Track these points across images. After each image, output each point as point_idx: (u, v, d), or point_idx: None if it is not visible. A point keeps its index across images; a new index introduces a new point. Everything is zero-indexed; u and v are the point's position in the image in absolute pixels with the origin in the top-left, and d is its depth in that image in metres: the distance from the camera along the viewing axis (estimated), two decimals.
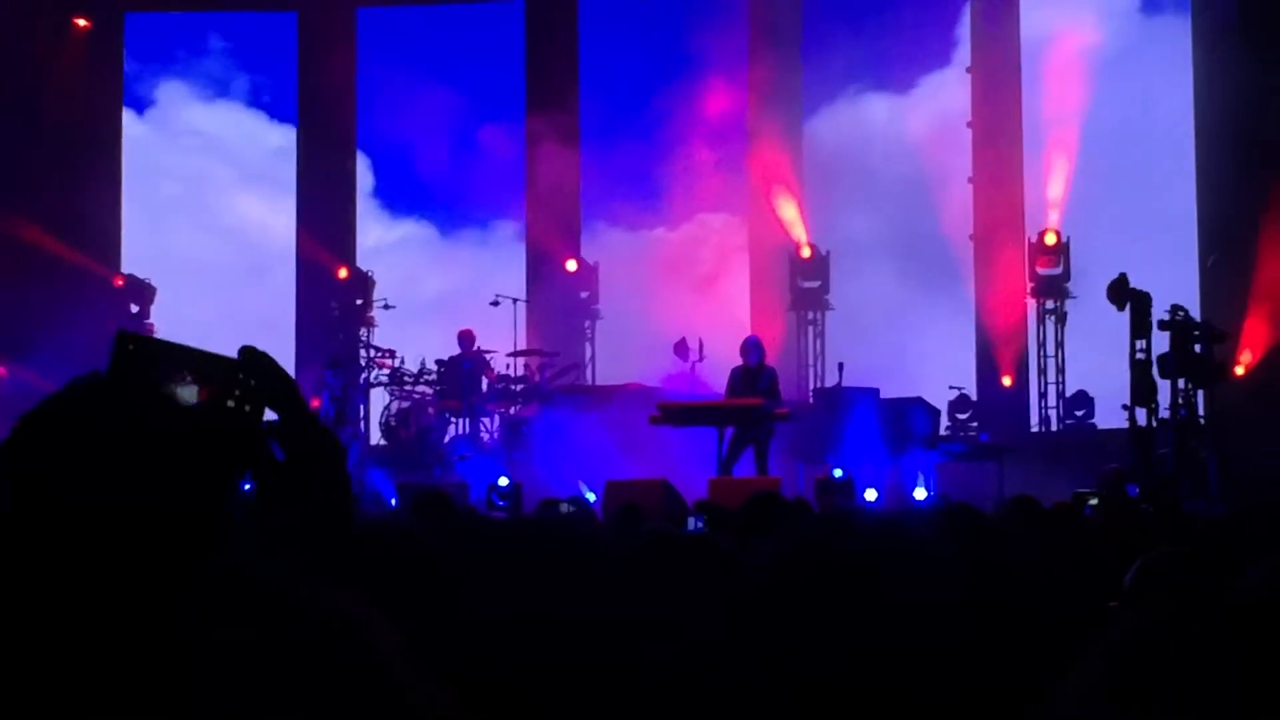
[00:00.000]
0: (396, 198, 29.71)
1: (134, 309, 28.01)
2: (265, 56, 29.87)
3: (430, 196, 29.06)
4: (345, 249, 29.01)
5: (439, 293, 27.93)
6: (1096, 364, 23.60)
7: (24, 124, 27.29)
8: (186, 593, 1.83)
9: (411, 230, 29.70)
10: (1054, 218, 25.51)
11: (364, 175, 29.78)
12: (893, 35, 26.33)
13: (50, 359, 23.52)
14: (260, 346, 2.87)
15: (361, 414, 25.48)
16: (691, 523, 13.50)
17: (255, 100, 29.98)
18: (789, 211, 26.69)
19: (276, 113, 29.92)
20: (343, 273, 28.40)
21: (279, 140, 29.88)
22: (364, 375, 25.73)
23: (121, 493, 2.23)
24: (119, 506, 2.20)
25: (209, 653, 1.76)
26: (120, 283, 28.17)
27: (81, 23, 28.49)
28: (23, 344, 24.43)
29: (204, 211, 29.63)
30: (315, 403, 25.96)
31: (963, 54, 27.06)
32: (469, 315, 25.16)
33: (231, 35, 29.89)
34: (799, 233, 26.67)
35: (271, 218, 29.62)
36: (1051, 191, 25.60)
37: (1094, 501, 16.92)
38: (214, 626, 1.78)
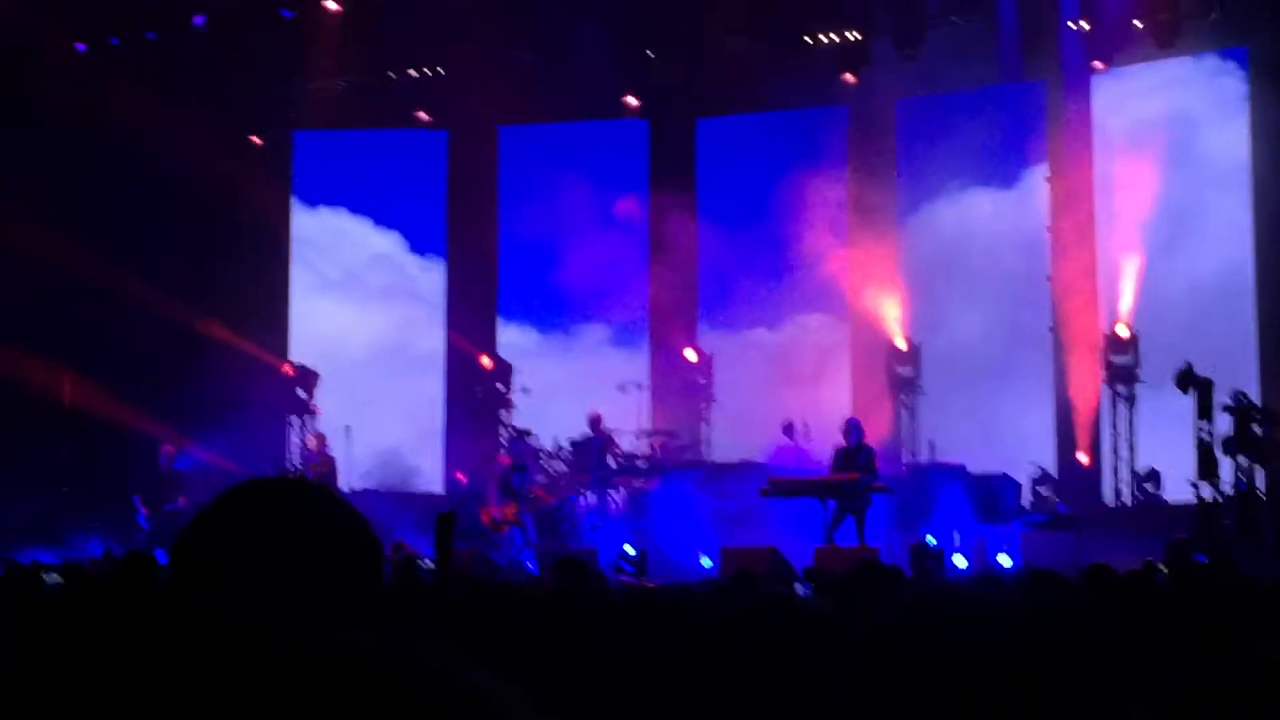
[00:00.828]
0: (530, 301, 29.70)
1: (301, 394, 28.26)
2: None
3: (560, 297, 28.99)
4: (487, 341, 29.20)
5: (568, 380, 27.88)
6: (1165, 443, 23.26)
7: (210, 230, 27.78)
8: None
9: (541, 328, 29.68)
10: (1125, 310, 25.22)
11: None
12: (991, 133, 26.16)
13: (228, 440, 23.92)
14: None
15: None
16: (800, 588, 13.47)
17: (359, 208, 30.09)
18: (889, 309, 26.60)
19: (382, 219, 29.99)
20: (485, 361, 28.60)
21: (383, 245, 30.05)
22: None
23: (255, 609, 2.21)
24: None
25: None
26: (289, 370, 28.42)
27: (256, 140, 29.11)
28: (202, 427, 24.77)
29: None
30: (461, 477, 26.14)
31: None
32: (597, 400, 25.27)
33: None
34: (897, 329, 26.57)
35: (415, 315, 29.82)
36: (1123, 287, 25.33)
37: (1164, 569, 16.69)
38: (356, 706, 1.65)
